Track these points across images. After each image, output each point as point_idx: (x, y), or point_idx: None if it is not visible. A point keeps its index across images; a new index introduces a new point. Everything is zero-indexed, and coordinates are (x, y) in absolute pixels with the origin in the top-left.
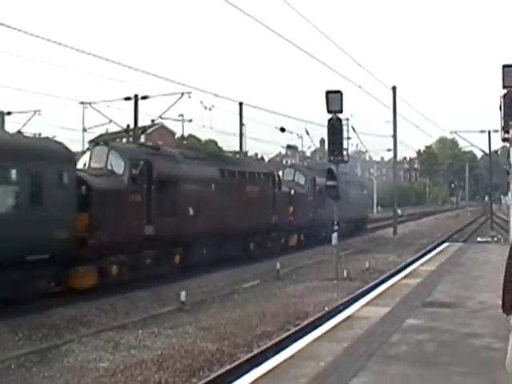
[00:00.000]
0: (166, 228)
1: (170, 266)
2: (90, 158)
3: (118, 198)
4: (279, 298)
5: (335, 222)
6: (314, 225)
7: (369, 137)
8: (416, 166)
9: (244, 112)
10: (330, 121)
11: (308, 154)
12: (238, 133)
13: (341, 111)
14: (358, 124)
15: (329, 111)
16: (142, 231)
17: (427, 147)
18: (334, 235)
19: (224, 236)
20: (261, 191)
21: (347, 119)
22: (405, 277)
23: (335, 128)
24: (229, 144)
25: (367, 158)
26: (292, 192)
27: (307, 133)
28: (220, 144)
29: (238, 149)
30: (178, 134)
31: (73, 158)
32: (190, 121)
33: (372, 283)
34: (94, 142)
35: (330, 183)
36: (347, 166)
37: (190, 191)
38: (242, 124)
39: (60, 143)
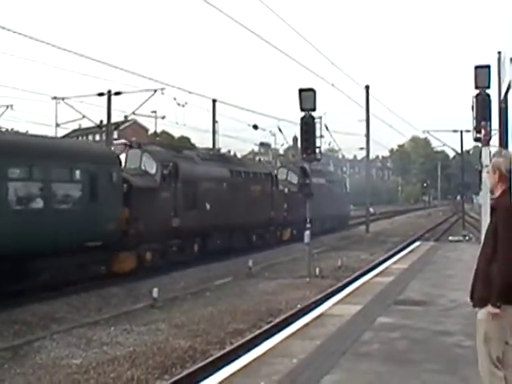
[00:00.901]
0: (189, 221)
1: (191, 254)
2: (126, 160)
3: (152, 194)
4: (251, 296)
5: (308, 220)
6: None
7: (342, 135)
8: (389, 164)
9: (217, 109)
10: (302, 119)
11: (281, 151)
12: (211, 130)
13: (314, 109)
14: (331, 122)
15: (302, 109)
16: (170, 223)
17: (400, 146)
18: (307, 233)
19: (233, 228)
20: (262, 189)
21: (320, 117)
22: (377, 275)
23: (308, 126)
24: (202, 141)
25: (340, 156)
26: (286, 190)
27: (280, 130)
28: (193, 141)
29: (211, 146)
30: (151, 131)
31: (119, 160)
32: (163, 117)
33: (344, 281)
34: (128, 146)
35: (303, 181)
36: (322, 164)
37: (206, 189)
38: (215, 121)
39: (108, 147)
